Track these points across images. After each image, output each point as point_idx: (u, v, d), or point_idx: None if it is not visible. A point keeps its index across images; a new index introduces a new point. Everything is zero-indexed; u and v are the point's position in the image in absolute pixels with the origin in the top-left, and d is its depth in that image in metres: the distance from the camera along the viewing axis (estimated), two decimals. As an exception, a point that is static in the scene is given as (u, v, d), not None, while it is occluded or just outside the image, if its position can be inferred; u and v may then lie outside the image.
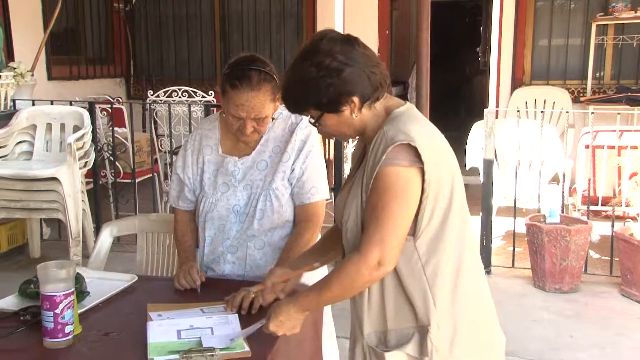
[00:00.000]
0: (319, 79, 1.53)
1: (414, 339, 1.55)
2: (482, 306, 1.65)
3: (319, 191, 2.16)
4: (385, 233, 1.49)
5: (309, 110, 1.60)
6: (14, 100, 4.69)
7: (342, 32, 1.61)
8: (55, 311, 1.62)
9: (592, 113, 4.38)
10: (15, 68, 4.66)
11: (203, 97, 5.06)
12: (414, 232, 1.54)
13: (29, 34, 5.76)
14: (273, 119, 2.12)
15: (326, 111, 1.58)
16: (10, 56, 5.37)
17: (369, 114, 1.61)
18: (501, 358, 1.69)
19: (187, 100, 4.98)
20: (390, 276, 1.56)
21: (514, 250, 4.40)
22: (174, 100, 5.02)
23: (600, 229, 4.46)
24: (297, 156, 2.13)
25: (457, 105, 10.69)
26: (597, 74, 6.74)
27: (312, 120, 1.63)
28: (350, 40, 1.57)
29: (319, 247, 1.98)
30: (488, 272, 4.33)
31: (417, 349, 1.54)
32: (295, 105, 1.62)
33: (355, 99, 1.56)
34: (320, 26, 7.05)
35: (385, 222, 1.49)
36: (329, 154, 4.76)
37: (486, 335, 1.65)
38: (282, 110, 2.14)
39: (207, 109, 4.67)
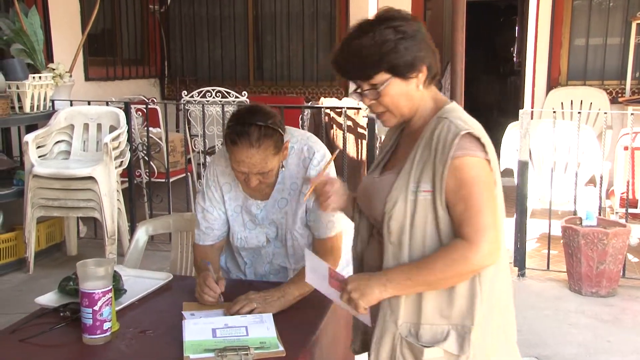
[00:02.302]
0: (397, 40, 1.54)
1: (451, 336, 1.54)
2: (509, 304, 1.66)
3: (336, 225, 2.08)
4: (490, 221, 1.50)
5: (377, 75, 1.56)
6: (52, 101, 4.78)
7: None
8: (94, 308, 1.65)
9: (632, 114, 4.29)
10: (54, 69, 4.75)
11: (236, 97, 5.09)
12: None
13: (67, 36, 5.88)
14: (283, 167, 2.06)
15: (397, 75, 1.56)
16: (49, 58, 5.48)
17: (425, 96, 1.62)
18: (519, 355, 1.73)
19: (220, 101, 5.02)
20: None
21: (549, 252, 4.34)
22: (207, 101, 5.07)
23: (639, 232, 4.36)
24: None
25: (491, 106, 10.58)
26: (637, 74, 6.59)
27: (368, 93, 1.58)
28: (418, 19, 1.63)
29: None
30: (522, 275, 4.27)
31: (456, 346, 1.53)
32: (366, 68, 1.57)
33: (425, 69, 1.58)
34: (353, 27, 7.06)
35: (485, 211, 1.50)
36: (361, 156, 4.75)
37: (513, 333, 1.68)
38: (293, 145, 2.07)
39: (241, 109, 4.69)
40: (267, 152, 1.93)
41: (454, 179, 1.51)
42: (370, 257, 1.70)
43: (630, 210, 4.30)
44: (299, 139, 2.11)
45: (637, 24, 6.30)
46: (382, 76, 1.56)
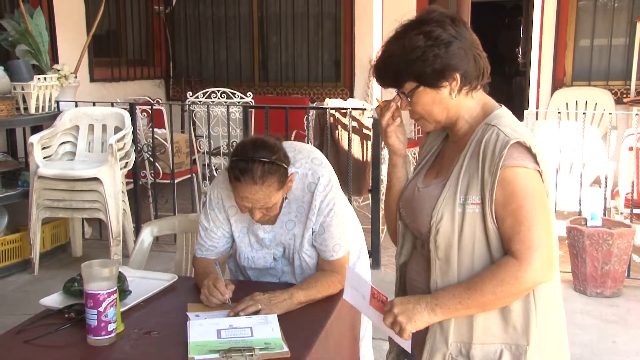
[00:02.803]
0: (426, 48, 1.45)
1: (504, 356, 1.48)
2: (564, 323, 1.60)
3: (342, 248, 2.09)
4: (542, 237, 1.42)
5: (406, 83, 1.51)
6: (57, 102, 4.79)
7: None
8: (99, 309, 1.65)
9: (637, 114, 4.28)
10: (59, 70, 4.76)
11: (241, 98, 5.10)
12: None
13: (72, 37, 5.89)
14: (286, 198, 2.04)
15: (425, 84, 1.49)
16: (54, 59, 5.49)
17: (466, 103, 1.54)
18: None
19: (225, 102, 5.02)
20: None
21: (554, 253, 4.32)
22: (212, 102, 5.07)
23: (644, 232, 4.35)
24: (317, 218, 2.06)
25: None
26: (642, 75, 6.57)
27: (404, 98, 1.53)
28: (460, 20, 1.52)
29: None
30: (527, 276, 4.26)
31: None
32: (394, 76, 1.51)
33: (458, 77, 1.49)
34: (359, 28, 7.07)
35: (537, 225, 1.42)
36: (366, 157, 4.75)
37: (568, 355, 1.60)
38: (296, 169, 2.04)
39: (246, 110, 4.71)
40: (271, 188, 1.91)
41: (503, 191, 1.43)
42: (413, 269, 1.65)
43: (635, 211, 4.29)
44: (303, 162, 2.07)
45: (642, 24, 6.28)
46: (410, 84, 1.50)
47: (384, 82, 1.55)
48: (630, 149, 4.41)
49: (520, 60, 9.65)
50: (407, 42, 1.47)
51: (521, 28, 9.79)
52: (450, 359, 1.52)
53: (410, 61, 1.47)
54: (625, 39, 6.63)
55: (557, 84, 6.75)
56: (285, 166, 1.95)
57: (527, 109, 4.46)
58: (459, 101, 1.53)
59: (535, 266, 1.41)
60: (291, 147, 2.10)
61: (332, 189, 2.06)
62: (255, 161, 1.89)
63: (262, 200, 1.92)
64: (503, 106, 1.58)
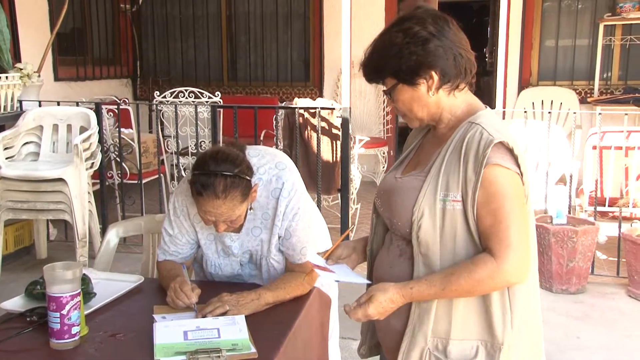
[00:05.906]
0: (402, 45, 1.47)
1: (479, 354, 1.50)
2: (540, 323, 1.62)
3: (309, 250, 2.04)
4: (519, 238, 1.45)
5: (386, 79, 1.54)
6: (20, 101, 4.70)
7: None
8: (62, 312, 1.62)
9: (600, 114, 4.36)
10: (22, 69, 4.67)
11: (210, 97, 5.06)
12: None
13: (35, 34, 5.78)
14: (251, 208, 2.02)
15: (402, 81, 1.51)
16: (17, 57, 5.38)
17: (447, 101, 1.54)
18: None
19: (193, 101, 4.98)
20: None
21: (520, 251, 4.37)
22: (180, 101, 5.02)
23: (607, 230, 4.44)
24: (282, 223, 2.04)
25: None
26: (605, 75, 6.72)
27: (386, 90, 1.56)
28: (445, 18, 1.52)
29: None
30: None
31: None
32: (375, 72, 1.55)
33: (435, 75, 1.49)
34: (327, 27, 7.08)
35: (515, 226, 1.44)
36: (335, 155, 4.76)
37: (541, 353, 1.63)
38: (260, 176, 2.02)
39: (214, 110, 4.67)
40: (235, 202, 1.89)
41: (484, 190, 1.45)
42: (384, 259, 1.66)
43: (599, 209, 4.37)
44: (267, 168, 2.04)
45: (605, 25, 6.42)
46: (389, 81, 1.54)
47: (367, 77, 1.58)
48: (594, 147, 4.49)
49: (487, 60, 9.76)
50: (388, 38, 1.50)
51: (488, 28, 9.90)
52: (428, 354, 1.53)
53: (387, 57, 1.50)
54: (589, 40, 6.76)
55: (524, 83, 6.86)
56: (249, 178, 1.93)
57: (495, 108, 4.50)
58: (439, 99, 1.53)
59: (511, 265, 1.44)
60: (255, 151, 2.08)
61: (296, 193, 2.05)
62: (217, 175, 1.85)
63: (225, 214, 1.90)
64: (488, 107, 1.60)
